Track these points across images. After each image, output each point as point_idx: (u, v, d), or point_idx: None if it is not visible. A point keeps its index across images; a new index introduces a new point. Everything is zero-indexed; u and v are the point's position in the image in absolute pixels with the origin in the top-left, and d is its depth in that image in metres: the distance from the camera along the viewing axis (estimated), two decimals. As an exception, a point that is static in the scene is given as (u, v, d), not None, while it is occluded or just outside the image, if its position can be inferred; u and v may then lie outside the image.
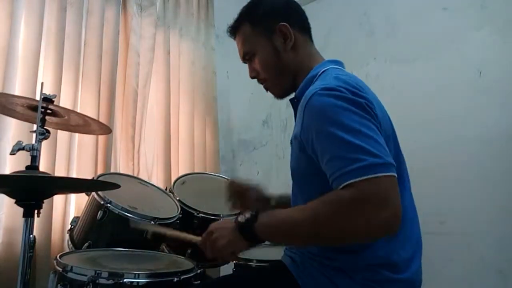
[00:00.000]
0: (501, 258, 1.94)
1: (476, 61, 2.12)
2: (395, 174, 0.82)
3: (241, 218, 0.93)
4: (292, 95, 1.13)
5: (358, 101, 0.88)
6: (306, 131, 0.92)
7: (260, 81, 1.16)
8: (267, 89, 1.17)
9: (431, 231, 2.17)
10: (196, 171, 2.35)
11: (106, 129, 1.58)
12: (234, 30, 1.16)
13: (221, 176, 2.12)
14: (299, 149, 0.96)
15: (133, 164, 2.11)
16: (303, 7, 1.17)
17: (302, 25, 1.14)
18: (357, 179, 0.79)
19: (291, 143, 1.05)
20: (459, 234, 2.06)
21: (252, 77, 1.17)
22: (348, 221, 0.80)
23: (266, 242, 0.96)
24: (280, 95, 1.17)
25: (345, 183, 0.80)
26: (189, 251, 1.55)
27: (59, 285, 1.11)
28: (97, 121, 1.61)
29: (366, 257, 0.92)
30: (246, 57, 1.15)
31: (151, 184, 1.83)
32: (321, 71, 1.04)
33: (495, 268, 1.94)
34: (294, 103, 1.10)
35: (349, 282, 0.92)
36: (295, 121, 1.08)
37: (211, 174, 2.19)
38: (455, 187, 2.09)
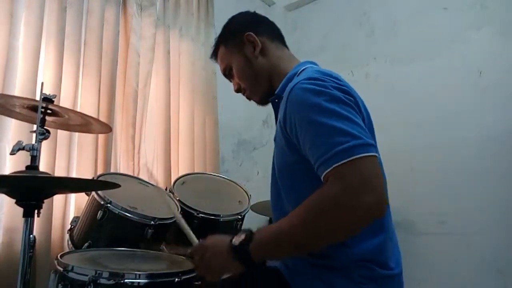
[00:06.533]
0: (501, 258, 1.94)
1: (476, 61, 2.13)
2: (376, 154, 0.83)
3: (235, 240, 0.88)
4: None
5: (340, 88, 0.92)
6: (289, 119, 0.93)
7: (242, 91, 1.22)
8: (248, 98, 1.23)
9: (431, 231, 2.19)
10: (196, 171, 2.34)
11: (107, 128, 1.57)
12: (214, 56, 1.27)
13: (221, 176, 2.12)
14: (285, 142, 0.98)
15: (133, 164, 2.11)
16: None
17: (271, 32, 1.21)
18: (339, 163, 0.80)
19: (274, 140, 1.06)
20: (459, 234, 2.06)
21: (236, 91, 1.23)
22: (336, 216, 0.79)
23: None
24: (260, 101, 1.22)
25: (328, 169, 0.81)
26: (189, 251, 1.55)
27: (59, 285, 1.11)
28: (97, 120, 1.60)
29: (359, 251, 0.92)
30: (226, 73, 1.24)
31: (151, 184, 1.83)
32: (301, 69, 1.08)
33: (495, 268, 1.94)
34: (275, 103, 1.12)
35: (345, 281, 0.91)
36: (275, 122, 1.09)
37: (211, 174, 2.19)
38: (455, 187, 2.09)
